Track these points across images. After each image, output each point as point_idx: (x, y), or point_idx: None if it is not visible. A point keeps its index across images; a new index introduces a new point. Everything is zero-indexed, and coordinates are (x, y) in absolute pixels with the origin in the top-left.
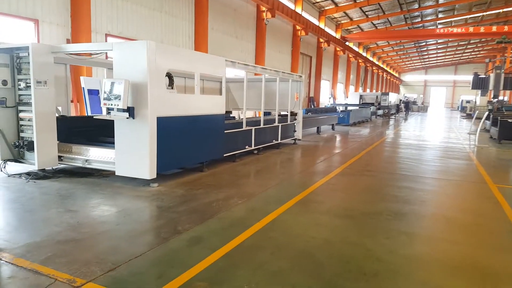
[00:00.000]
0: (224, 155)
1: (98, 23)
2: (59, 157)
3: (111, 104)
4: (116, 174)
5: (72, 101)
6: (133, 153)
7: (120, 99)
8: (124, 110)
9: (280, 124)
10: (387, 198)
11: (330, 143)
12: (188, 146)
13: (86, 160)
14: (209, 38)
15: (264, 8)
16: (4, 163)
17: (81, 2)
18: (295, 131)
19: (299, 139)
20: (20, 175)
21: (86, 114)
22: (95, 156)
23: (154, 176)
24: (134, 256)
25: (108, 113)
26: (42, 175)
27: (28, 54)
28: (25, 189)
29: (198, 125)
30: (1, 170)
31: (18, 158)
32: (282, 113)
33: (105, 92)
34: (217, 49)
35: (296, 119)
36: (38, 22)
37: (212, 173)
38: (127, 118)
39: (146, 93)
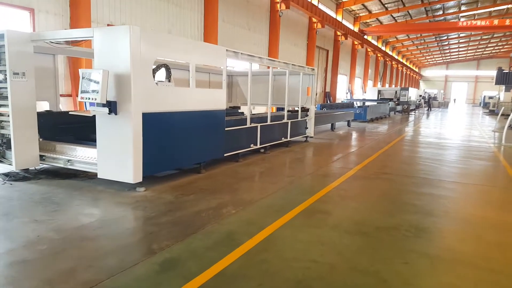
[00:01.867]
0: (225, 154)
1: (100, 13)
2: (41, 156)
3: (89, 98)
4: (98, 176)
5: (70, 95)
6: (115, 153)
7: (98, 92)
8: (104, 105)
9: (289, 121)
10: (406, 207)
11: (344, 141)
12: (181, 145)
13: (68, 161)
14: (219, 30)
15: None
16: None
17: None
18: (307, 128)
19: (311, 137)
20: None
21: (85, 109)
22: (78, 156)
23: (139, 179)
24: (86, 287)
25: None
26: (22, 176)
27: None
28: None
29: (193, 122)
30: None
31: None
32: (295, 108)
33: (82, 84)
34: (228, 41)
35: (308, 115)
36: (33, 12)
37: (210, 175)
38: (109, 114)
39: (129, 86)
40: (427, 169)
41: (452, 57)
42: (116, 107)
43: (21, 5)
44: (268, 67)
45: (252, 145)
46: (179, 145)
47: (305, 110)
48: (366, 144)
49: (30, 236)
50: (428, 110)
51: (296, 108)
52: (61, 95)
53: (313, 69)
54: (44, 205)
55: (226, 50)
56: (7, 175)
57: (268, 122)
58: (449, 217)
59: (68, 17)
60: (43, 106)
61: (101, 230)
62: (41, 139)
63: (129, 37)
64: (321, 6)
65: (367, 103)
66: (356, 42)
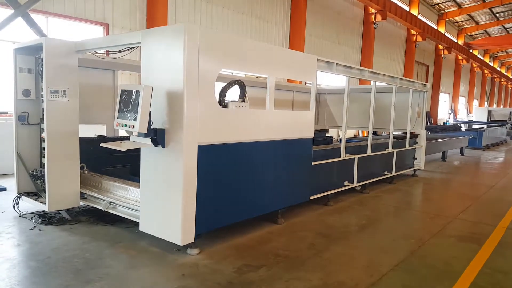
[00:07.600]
0: (312, 197)
1: None
2: (83, 194)
3: (125, 125)
4: (140, 229)
5: None
6: (160, 201)
7: (136, 118)
8: (146, 134)
9: (395, 150)
10: None
11: (465, 176)
12: (250, 188)
13: (110, 203)
14: (305, 44)
15: (373, 10)
16: (18, 197)
17: (158, 5)
18: (415, 158)
19: (420, 169)
20: (32, 215)
21: None
22: (127, 197)
23: (190, 240)
24: None
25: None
26: (59, 218)
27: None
28: (15, 244)
29: (269, 155)
30: (14, 207)
31: (40, 191)
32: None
33: (120, 106)
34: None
35: (416, 143)
36: (108, 27)
37: (289, 227)
38: (155, 146)
39: (182, 108)
40: None
41: None
42: (163, 137)
43: (96, 20)
44: (368, 83)
45: (346, 183)
46: (248, 189)
47: (413, 137)
48: (497, 182)
49: None
50: None
51: (401, 133)
52: None
53: (425, 85)
54: (56, 274)
55: (318, 59)
56: (42, 215)
57: (368, 153)
58: None
59: None
60: (99, 129)
61: None
62: (86, 172)
63: (184, 40)
64: (421, 18)
65: (476, 126)
66: (460, 57)
